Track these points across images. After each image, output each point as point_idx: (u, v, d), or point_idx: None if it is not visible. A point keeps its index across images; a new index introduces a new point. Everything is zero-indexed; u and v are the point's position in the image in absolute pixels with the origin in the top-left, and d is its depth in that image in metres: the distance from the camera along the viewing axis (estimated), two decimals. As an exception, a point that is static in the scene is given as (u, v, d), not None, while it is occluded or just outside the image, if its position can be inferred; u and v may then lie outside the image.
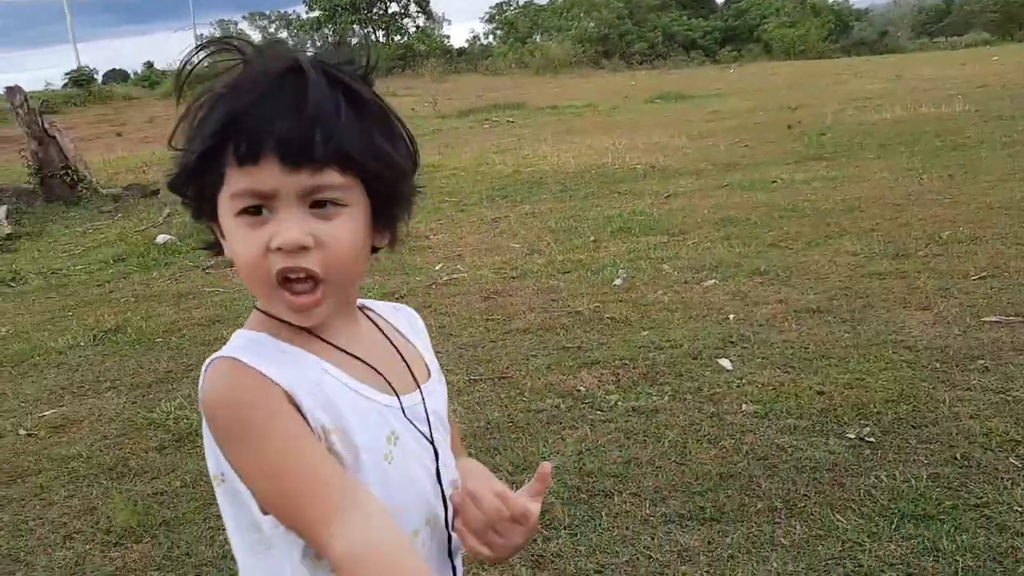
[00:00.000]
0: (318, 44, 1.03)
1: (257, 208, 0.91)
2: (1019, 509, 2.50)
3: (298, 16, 50.87)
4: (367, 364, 1.01)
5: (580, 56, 35.43)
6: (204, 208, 0.96)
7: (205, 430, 0.94)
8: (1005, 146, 8.96)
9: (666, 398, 3.48)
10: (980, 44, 34.43)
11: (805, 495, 2.70)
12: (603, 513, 2.70)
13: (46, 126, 11.25)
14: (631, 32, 37.68)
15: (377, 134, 0.93)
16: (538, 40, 38.74)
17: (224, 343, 0.97)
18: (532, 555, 2.50)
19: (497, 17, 47.22)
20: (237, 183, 0.90)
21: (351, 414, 0.95)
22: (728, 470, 2.89)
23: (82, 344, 5.10)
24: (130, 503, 3.01)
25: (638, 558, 2.47)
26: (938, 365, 3.57)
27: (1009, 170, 7.66)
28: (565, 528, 2.64)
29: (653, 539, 2.55)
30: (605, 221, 7.12)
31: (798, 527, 2.54)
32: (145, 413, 3.86)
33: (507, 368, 3.98)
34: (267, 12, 56.24)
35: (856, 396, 3.33)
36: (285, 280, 0.92)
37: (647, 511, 2.69)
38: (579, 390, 3.64)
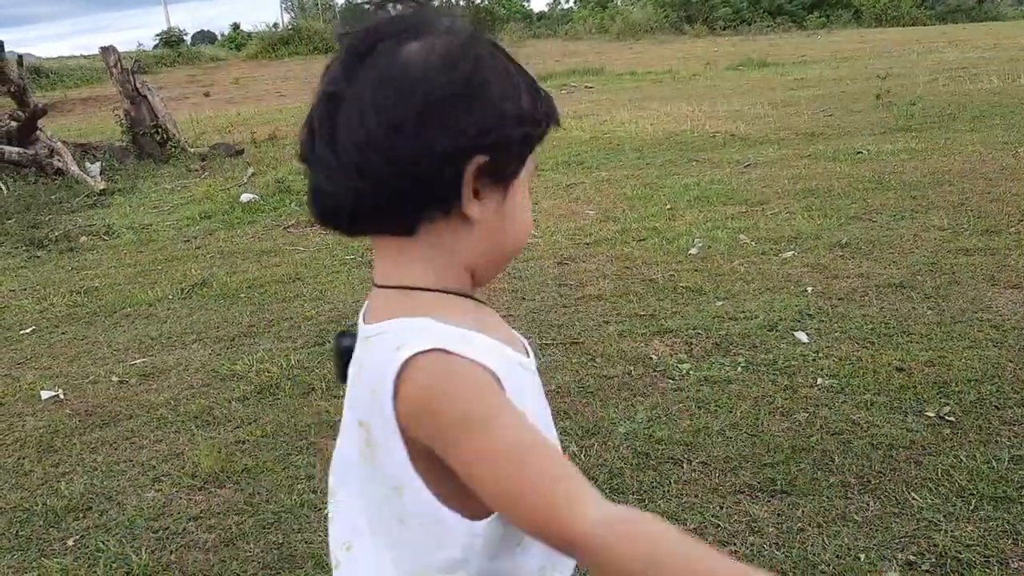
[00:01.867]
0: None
1: None
2: (1106, 496, 2.42)
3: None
4: (507, 329, 1.02)
5: (662, 21, 34.76)
6: (515, 165, 0.93)
7: (388, 437, 0.90)
8: (1111, 119, 8.51)
9: (739, 369, 3.46)
10: (1089, 11, 32.59)
11: (880, 472, 2.66)
12: (672, 480, 2.71)
13: (138, 85, 11.61)
14: (715, -4, 36.75)
15: None
16: (619, 4, 38.12)
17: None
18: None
19: (578, -20, 46.63)
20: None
21: (526, 388, 0.96)
22: (801, 444, 2.86)
23: (170, 297, 5.30)
24: (214, 450, 3.14)
25: (706, 526, 2.47)
26: (1026, 345, 3.45)
27: (1114, 145, 7.28)
28: (633, 493, 2.66)
29: (722, 508, 2.55)
30: (682, 189, 7.03)
31: (871, 504, 2.51)
32: (229, 365, 4.01)
33: (579, 334, 3.99)
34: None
35: (937, 374, 3.25)
36: None
37: (716, 480, 2.69)
38: (651, 358, 3.64)
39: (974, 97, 10.99)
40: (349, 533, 1.03)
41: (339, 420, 1.02)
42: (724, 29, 34.32)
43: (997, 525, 2.36)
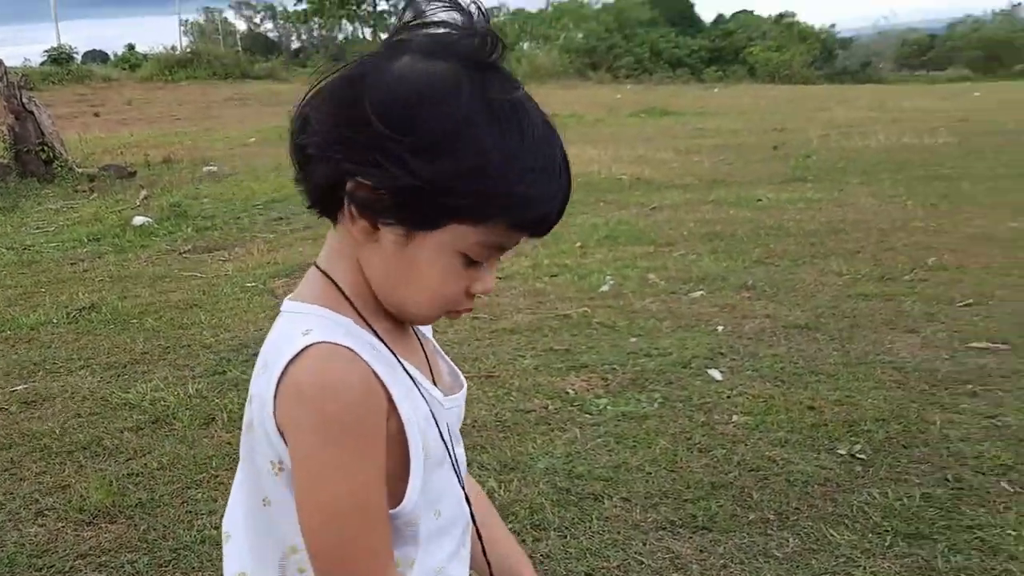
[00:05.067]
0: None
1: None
2: (1012, 533, 2.48)
3: (285, 8, 50.44)
4: (426, 361, 0.98)
5: (567, 67, 35.51)
6: (407, 214, 0.84)
7: (260, 410, 0.86)
8: (987, 179, 9.06)
9: (656, 405, 3.45)
10: (960, 80, 34.99)
11: (797, 508, 2.67)
12: (594, 516, 2.65)
13: (24, 101, 11.04)
14: (619, 45, 37.82)
15: None
16: (526, 48, 38.78)
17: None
18: (521, 555, 2.44)
19: (486, 23, 47.10)
20: (490, 236, 0.86)
21: (429, 418, 0.92)
22: (720, 480, 2.85)
23: (55, 321, 4.97)
24: (104, 482, 2.91)
25: (629, 563, 2.42)
26: (927, 387, 3.56)
27: (992, 203, 7.74)
28: (555, 529, 2.58)
29: (645, 545, 2.50)
30: (591, 228, 7.09)
31: (791, 540, 2.51)
32: (120, 393, 3.76)
33: (494, 367, 3.92)
34: (253, 2, 55.70)
35: (846, 413, 3.32)
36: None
37: (638, 516, 2.65)
38: (568, 392, 3.60)
39: (863, 153, 11.56)
40: (229, 524, 0.99)
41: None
42: (627, 77, 35.32)
43: (913, 561, 2.38)
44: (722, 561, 2.42)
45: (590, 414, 3.39)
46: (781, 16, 42.72)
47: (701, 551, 2.47)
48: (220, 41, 42.92)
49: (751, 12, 44.67)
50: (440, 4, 0.85)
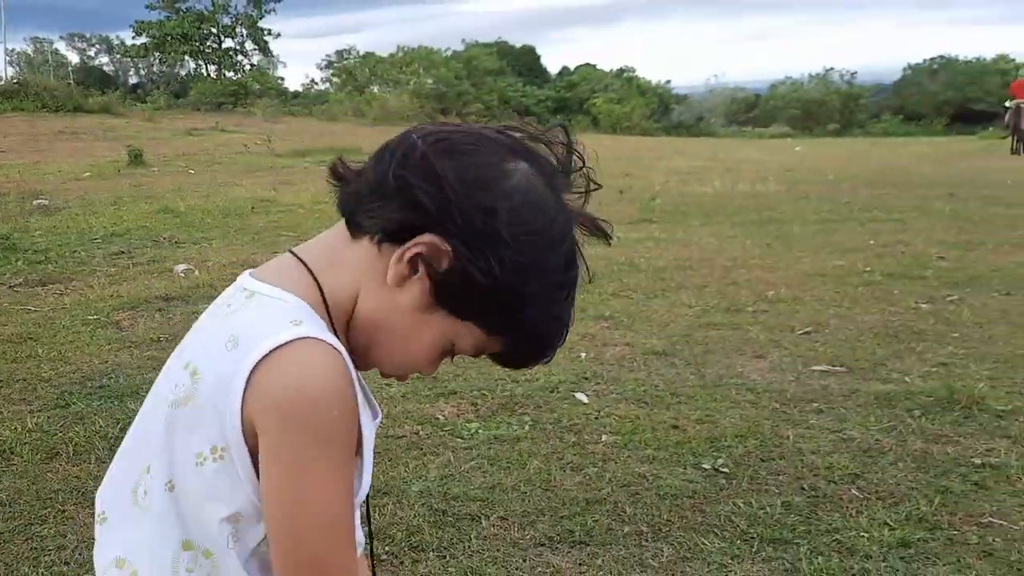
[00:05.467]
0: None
1: None
2: (866, 535, 2.65)
3: (122, 42, 48.38)
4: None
5: (417, 111, 35.77)
6: (452, 296, 0.86)
7: (217, 388, 0.81)
8: (814, 223, 9.75)
9: (527, 427, 3.47)
10: (782, 136, 37.68)
11: (669, 520, 2.75)
12: (472, 536, 2.63)
13: None
14: (468, 92, 38.53)
15: None
16: (376, 91, 38.82)
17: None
18: (401, 577, 2.39)
19: (336, 64, 47.01)
20: (486, 346, 0.90)
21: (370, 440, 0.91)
22: (593, 496, 2.90)
23: None
24: (-68, 523, 2.64)
25: (511, 579, 2.41)
26: (778, 406, 3.77)
27: (819, 243, 8.32)
28: (434, 550, 2.54)
29: (524, 561, 2.51)
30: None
31: (666, 550, 2.57)
32: (-53, 429, 3.42)
33: (361, 395, 3.84)
34: (87, 35, 53.19)
35: (708, 431, 3.46)
36: None
37: (516, 534, 2.65)
38: (438, 418, 3.57)
39: (702, 198, 12.20)
40: (106, 503, 0.93)
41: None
42: (476, 123, 35.92)
43: (779, 564, 2.50)
44: (601, 573, 2.46)
45: (462, 438, 3.37)
46: (621, 71, 44.83)
47: (580, 564, 2.50)
48: (51, 72, 40.57)
49: (594, 66, 46.56)
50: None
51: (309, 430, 0.79)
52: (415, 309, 0.86)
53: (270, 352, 0.78)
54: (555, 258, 0.87)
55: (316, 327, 0.82)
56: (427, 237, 0.82)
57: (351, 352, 0.89)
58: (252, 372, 0.79)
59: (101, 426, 3.40)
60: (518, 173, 0.85)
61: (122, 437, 0.95)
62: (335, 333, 0.86)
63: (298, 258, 0.89)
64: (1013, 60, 42.76)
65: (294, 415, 0.78)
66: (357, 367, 0.90)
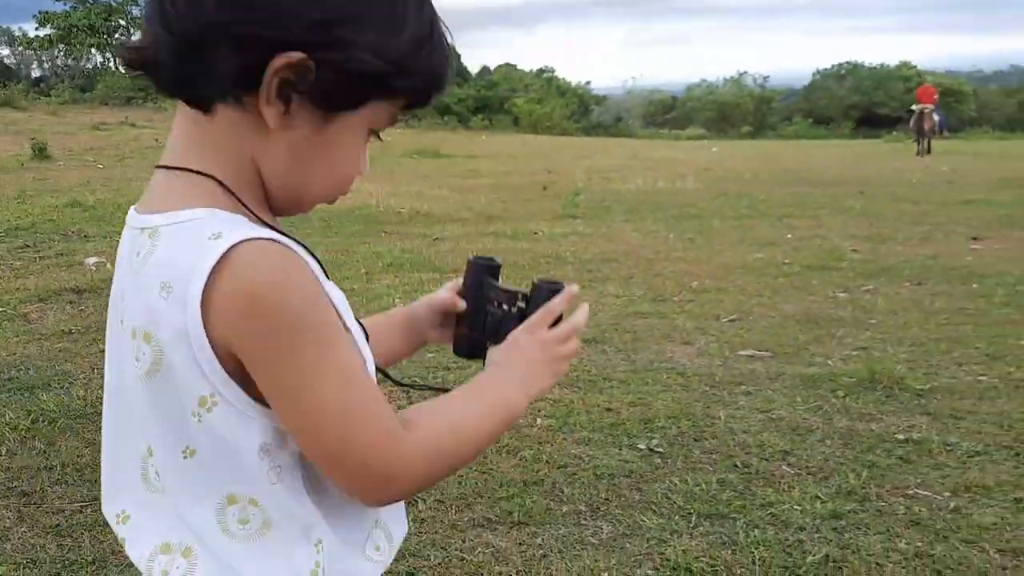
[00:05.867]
0: None
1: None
2: (798, 508, 2.69)
3: (24, 34, 46.38)
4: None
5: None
6: (338, 95, 0.80)
7: (179, 340, 0.76)
8: (733, 219, 9.96)
9: (461, 413, 3.43)
10: (699, 137, 38.52)
11: (607, 499, 2.75)
12: (409, 519, 2.56)
13: None
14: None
15: None
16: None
17: None
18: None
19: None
20: (393, 109, 0.85)
21: (343, 301, 0.87)
22: (531, 477, 2.88)
23: None
24: None
25: (451, 560, 2.37)
26: (708, 388, 3.82)
27: (739, 238, 8.50)
28: (370, 534, 2.48)
29: (464, 542, 2.47)
30: (375, 256, 7.02)
31: (605, 527, 2.57)
32: None
33: (288, 384, 3.74)
34: (-14, 25, 50.85)
35: (641, 412, 3.47)
36: None
37: (454, 516, 2.61)
38: (370, 405, 3.50)
39: (624, 194, 12.34)
40: (123, 502, 0.88)
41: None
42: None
43: (717, 538, 2.51)
44: (542, 551, 2.43)
45: (395, 424, 3.31)
46: (541, 71, 45.14)
47: (520, 544, 2.47)
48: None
49: (514, 66, 46.80)
50: None
51: (280, 331, 0.74)
52: (316, 131, 0.81)
53: (206, 281, 0.73)
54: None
55: (234, 228, 0.76)
56: (277, 62, 0.75)
57: (286, 211, 0.87)
58: (201, 308, 0.74)
59: (11, 418, 3.22)
60: None
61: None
62: (257, 216, 0.81)
63: (173, 168, 0.82)
64: (915, 67, 44.74)
65: (257, 324, 0.74)
66: (304, 209, 0.88)
